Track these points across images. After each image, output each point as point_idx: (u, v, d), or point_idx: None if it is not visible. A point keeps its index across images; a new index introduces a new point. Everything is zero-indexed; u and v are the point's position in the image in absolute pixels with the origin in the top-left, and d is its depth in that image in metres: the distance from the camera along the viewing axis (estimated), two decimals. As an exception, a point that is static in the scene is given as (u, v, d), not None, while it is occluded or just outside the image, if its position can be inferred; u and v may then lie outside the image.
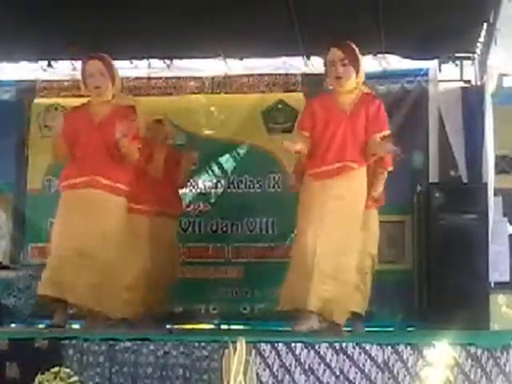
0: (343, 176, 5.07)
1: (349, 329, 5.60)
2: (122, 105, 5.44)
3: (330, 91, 5.36)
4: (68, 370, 3.61)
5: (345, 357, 3.77)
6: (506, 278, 6.93)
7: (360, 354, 3.76)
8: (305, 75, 7.56)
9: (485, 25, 6.53)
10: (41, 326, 6.84)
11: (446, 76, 7.33)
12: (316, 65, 7.49)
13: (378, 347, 3.75)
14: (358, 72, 5.14)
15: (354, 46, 5.18)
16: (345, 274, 5.01)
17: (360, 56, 5.18)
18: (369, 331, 5.70)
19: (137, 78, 7.72)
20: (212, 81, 7.68)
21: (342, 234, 5.01)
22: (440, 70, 7.27)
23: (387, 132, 5.19)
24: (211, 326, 7.06)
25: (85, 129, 5.23)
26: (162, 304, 6.55)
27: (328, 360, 3.77)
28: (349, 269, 5.04)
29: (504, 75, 6.90)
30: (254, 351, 3.70)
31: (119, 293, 5.34)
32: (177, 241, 6.84)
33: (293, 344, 3.79)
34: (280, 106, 7.59)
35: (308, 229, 5.00)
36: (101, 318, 5.22)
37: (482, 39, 6.79)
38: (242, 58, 7.49)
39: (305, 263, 4.96)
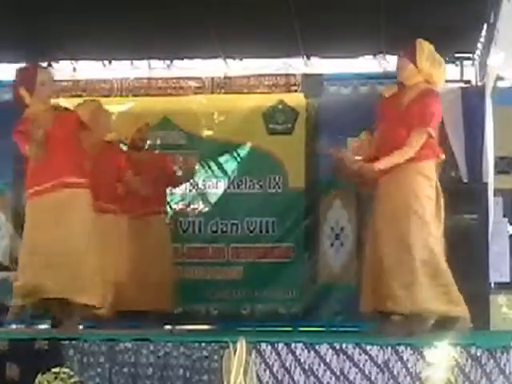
0: (392, 173, 5.00)
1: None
2: (63, 109, 5.56)
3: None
4: (68, 371, 3.61)
5: (345, 357, 3.76)
6: (507, 279, 6.93)
7: (360, 354, 3.76)
8: (305, 76, 7.56)
9: (485, 25, 6.53)
10: (41, 326, 6.83)
11: (446, 76, 7.31)
12: (316, 65, 7.50)
13: (379, 348, 3.75)
14: (416, 65, 5.04)
15: (418, 40, 5.11)
16: None
17: (421, 51, 5.06)
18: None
19: (137, 79, 7.73)
20: (212, 81, 7.67)
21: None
22: (440, 70, 7.26)
23: (424, 128, 4.92)
24: (211, 327, 7.05)
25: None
26: (164, 304, 6.57)
27: (328, 360, 3.76)
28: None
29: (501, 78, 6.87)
30: (254, 352, 3.70)
31: (104, 288, 5.39)
32: (169, 240, 6.88)
33: (293, 344, 3.79)
34: (280, 106, 7.58)
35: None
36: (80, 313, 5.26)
37: (482, 39, 6.79)
38: (242, 59, 7.49)
39: None
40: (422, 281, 4.82)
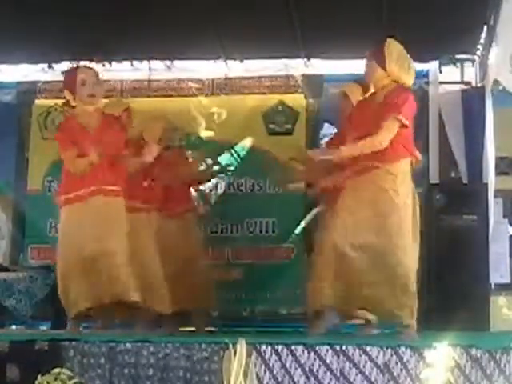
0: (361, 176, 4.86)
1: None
2: (112, 113, 5.49)
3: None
4: (69, 372, 3.61)
5: (345, 358, 3.76)
6: (507, 280, 6.93)
7: (360, 355, 3.75)
8: (305, 76, 7.56)
9: (485, 26, 6.53)
10: (41, 327, 6.84)
11: (446, 77, 7.33)
12: (316, 66, 7.50)
13: (379, 349, 3.75)
14: (385, 70, 4.91)
15: (387, 43, 5.01)
16: None
17: (389, 55, 4.93)
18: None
19: (137, 80, 7.73)
20: (212, 82, 7.68)
21: None
22: (440, 71, 7.27)
23: (394, 115, 4.72)
24: (212, 328, 7.05)
25: (82, 139, 5.22)
26: (205, 303, 6.57)
27: (328, 362, 3.76)
28: None
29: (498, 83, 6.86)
30: (254, 353, 3.70)
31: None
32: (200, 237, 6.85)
33: (293, 346, 3.79)
34: (280, 107, 7.60)
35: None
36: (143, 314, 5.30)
37: (482, 41, 6.79)
38: (242, 60, 7.50)
39: None
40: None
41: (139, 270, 5.29)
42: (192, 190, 6.96)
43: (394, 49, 4.97)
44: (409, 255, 4.76)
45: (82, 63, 7.21)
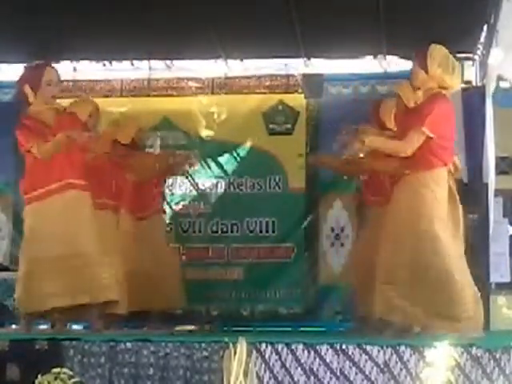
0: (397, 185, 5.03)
1: None
2: (69, 111, 5.49)
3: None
4: (69, 371, 3.61)
5: (345, 358, 3.76)
6: (507, 279, 6.94)
7: (361, 355, 3.76)
8: (305, 76, 7.55)
9: (485, 25, 6.53)
10: (41, 327, 6.82)
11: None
12: (316, 66, 7.50)
13: (379, 348, 3.75)
14: (427, 73, 5.03)
15: (431, 47, 5.10)
16: None
17: (432, 59, 5.03)
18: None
19: (137, 80, 7.73)
20: (212, 82, 7.68)
21: None
22: (440, 71, 7.26)
23: (419, 127, 4.85)
24: (212, 327, 7.05)
25: (43, 134, 5.23)
26: (166, 303, 6.57)
27: (328, 361, 3.76)
28: None
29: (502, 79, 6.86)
30: (254, 352, 3.70)
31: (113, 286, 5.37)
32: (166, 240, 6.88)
33: (293, 345, 3.79)
34: (280, 107, 7.59)
35: None
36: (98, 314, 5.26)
37: (482, 40, 6.79)
38: (242, 60, 7.49)
39: None
40: None
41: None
42: (164, 189, 7.00)
43: (437, 53, 5.08)
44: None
45: (82, 63, 7.30)
